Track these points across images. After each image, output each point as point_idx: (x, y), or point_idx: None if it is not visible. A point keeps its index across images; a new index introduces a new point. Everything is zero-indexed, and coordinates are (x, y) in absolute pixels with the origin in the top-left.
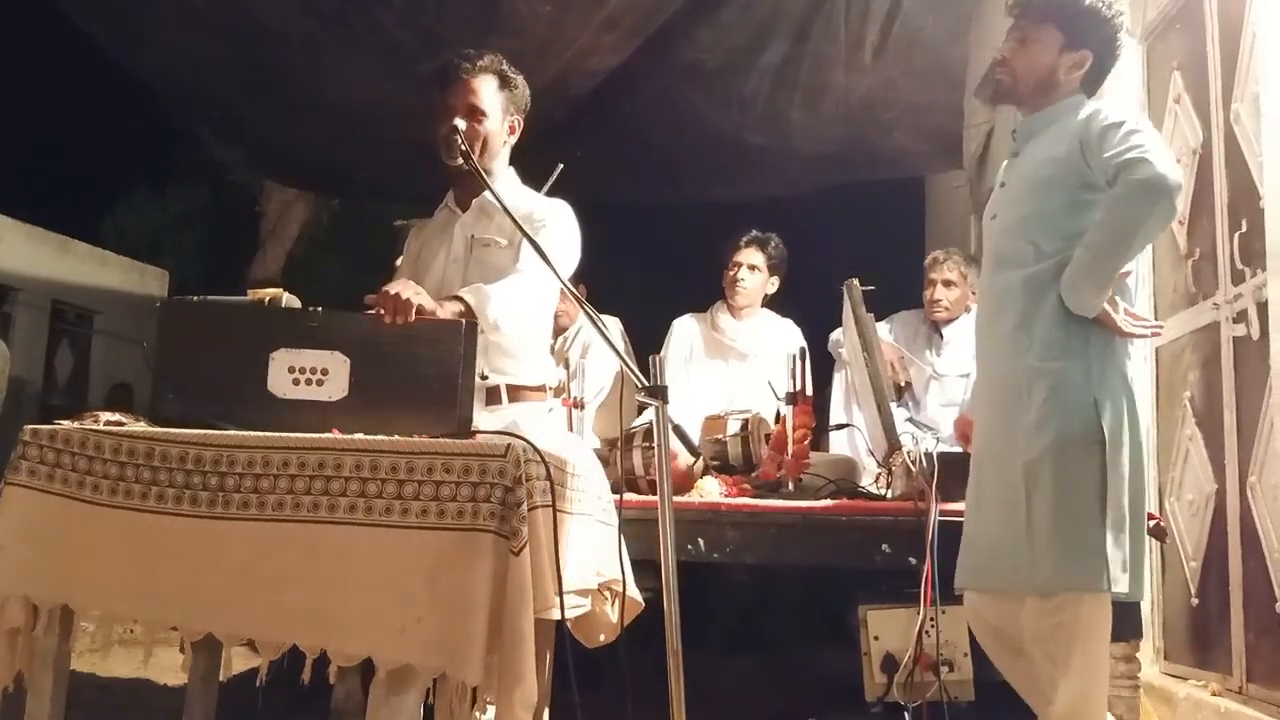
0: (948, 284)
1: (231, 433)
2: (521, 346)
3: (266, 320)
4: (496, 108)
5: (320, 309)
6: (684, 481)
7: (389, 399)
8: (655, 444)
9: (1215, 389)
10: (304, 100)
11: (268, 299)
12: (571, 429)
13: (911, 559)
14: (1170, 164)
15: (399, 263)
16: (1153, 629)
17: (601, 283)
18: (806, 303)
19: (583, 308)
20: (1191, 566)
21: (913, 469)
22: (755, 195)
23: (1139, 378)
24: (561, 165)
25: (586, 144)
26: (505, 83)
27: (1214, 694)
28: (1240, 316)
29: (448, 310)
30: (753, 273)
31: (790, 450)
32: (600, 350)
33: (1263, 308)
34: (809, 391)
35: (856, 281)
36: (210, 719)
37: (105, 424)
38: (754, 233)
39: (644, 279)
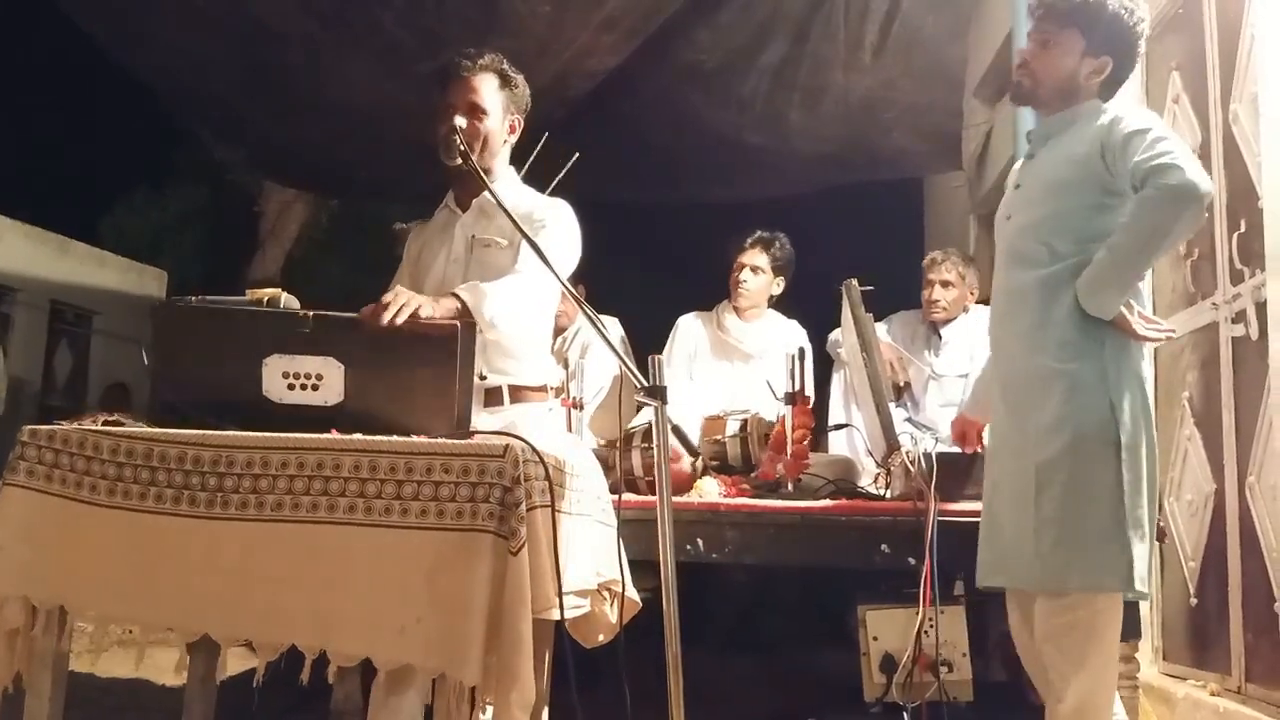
0: (945, 284)
1: (230, 433)
2: (521, 346)
3: (258, 325)
4: (497, 106)
5: (311, 314)
6: (684, 483)
7: (386, 401)
8: (654, 444)
9: (1214, 389)
10: (304, 100)
11: (266, 299)
12: (571, 429)
13: (910, 559)
14: (1200, 171)
15: (401, 266)
16: (1151, 629)
17: (601, 283)
18: (805, 303)
19: (581, 308)
20: (1190, 566)
21: (911, 469)
22: (754, 195)
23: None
24: (577, 154)
25: (586, 145)
26: (506, 81)
27: (1213, 694)
28: (1239, 317)
29: (444, 307)
30: (756, 274)
31: (789, 450)
32: (599, 350)
33: (1261, 308)
34: (808, 391)
35: (855, 282)
36: (209, 719)
37: (103, 424)
38: (759, 233)
39: (643, 279)
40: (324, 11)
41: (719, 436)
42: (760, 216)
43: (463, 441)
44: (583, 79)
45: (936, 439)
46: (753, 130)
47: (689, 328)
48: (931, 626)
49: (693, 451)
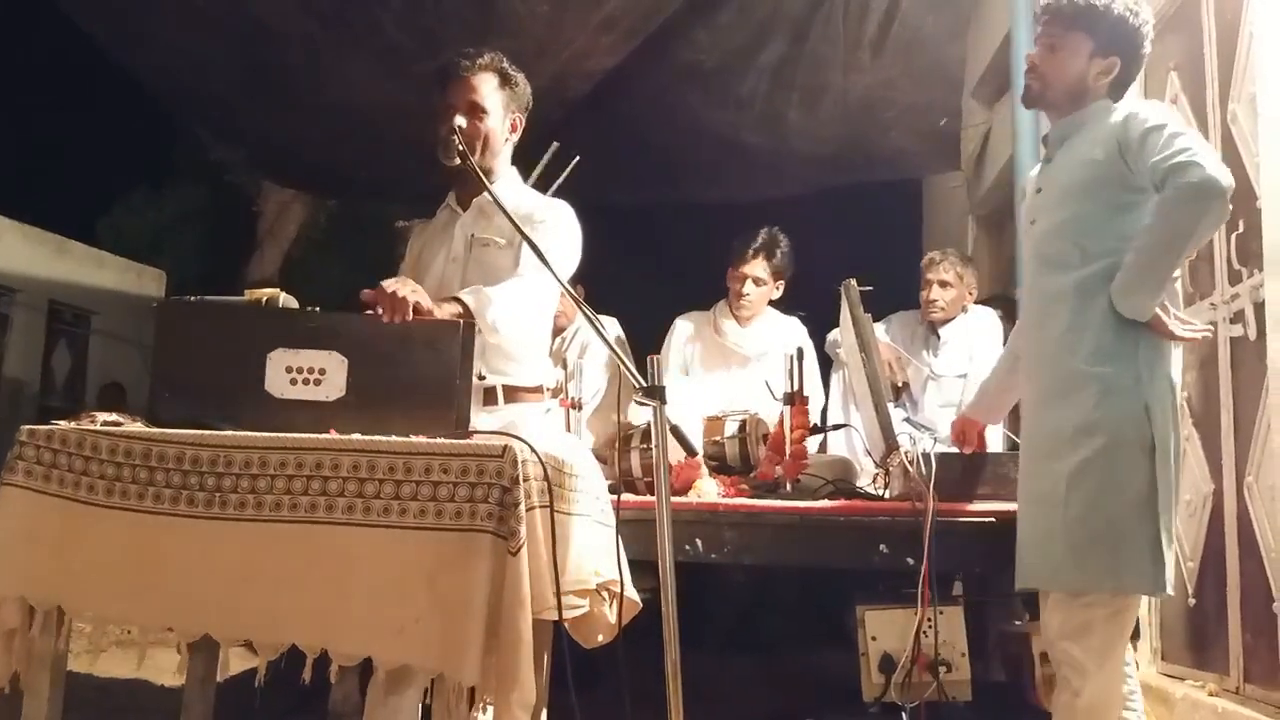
0: (943, 284)
1: (229, 433)
2: (520, 348)
3: (263, 320)
4: (497, 105)
5: (318, 309)
6: (683, 483)
7: (386, 399)
8: (654, 444)
9: (1212, 389)
10: (304, 100)
11: (265, 299)
12: (569, 430)
13: (909, 559)
14: (1219, 166)
15: (402, 264)
16: (1150, 629)
17: (600, 283)
18: (804, 303)
19: (580, 308)
20: (1189, 567)
21: (910, 469)
22: (753, 196)
23: None
24: (576, 158)
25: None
26: (506, 80)
27: (1211, 694)
28: (1237, 317)
29: (445, 312)
30: (758, 285)
31: (788, 451)
32: (598, 351)
33: (1260, 308)
34: (806, 392)
35: (854, 282)
36: (208, 719)
37: (102, 424)
38: (762, 239)
39: (642, 279)
40: (324, 12)
41: (718, 437)
42: (759, 216)
43: (462, 442)
44: (581, 79)
45: (935, 439)
46: (751, 130)
47: (685, 329)
48: (930, 626)
49: (691, 452)
